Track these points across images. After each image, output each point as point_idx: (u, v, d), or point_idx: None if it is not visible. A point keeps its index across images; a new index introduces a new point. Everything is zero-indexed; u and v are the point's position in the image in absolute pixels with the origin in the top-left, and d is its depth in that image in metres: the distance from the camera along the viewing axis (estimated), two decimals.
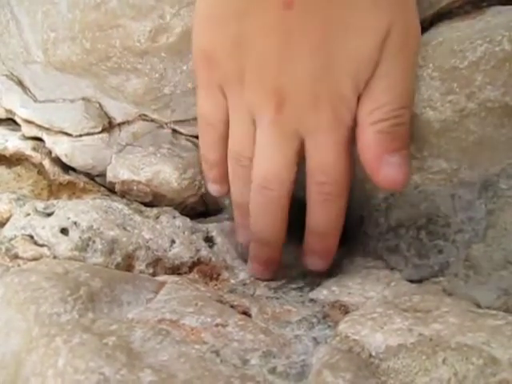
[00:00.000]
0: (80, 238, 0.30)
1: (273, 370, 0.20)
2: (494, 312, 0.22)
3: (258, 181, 0.29)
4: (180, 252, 0.32)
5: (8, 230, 0.31)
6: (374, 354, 0.21)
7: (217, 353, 0.21)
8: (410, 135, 0.27)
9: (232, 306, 0.27)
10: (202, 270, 0.32)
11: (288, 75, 0.26)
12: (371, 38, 0.25)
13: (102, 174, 0.39)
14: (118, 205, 0.33)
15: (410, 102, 0.27)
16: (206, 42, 0.29)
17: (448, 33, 0.26)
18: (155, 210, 0.35)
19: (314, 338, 0.23)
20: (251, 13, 0.26)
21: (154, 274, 0.31)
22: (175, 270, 0.32)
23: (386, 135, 0.26)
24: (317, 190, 0.29)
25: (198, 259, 0.33)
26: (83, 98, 0.38)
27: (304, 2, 0.25)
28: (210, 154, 0.33)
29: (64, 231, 0.30)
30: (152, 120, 0.38)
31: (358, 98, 0.26)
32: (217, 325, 0.24)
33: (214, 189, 0.35)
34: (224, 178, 0.33)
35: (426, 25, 0.26)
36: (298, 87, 0.26)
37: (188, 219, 0.34)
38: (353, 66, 0.25)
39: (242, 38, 0.27)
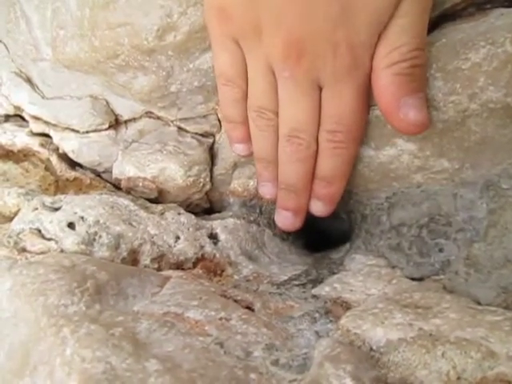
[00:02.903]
0: (87, 232, 0.30)
1: (275, 362, 0.21)
2: (493, 308, 0.22)
3: (286, 131, 0.30)
4: (184, 248, 0.33)
5: (16, 224, 0.31)
6: (374, 347, 0.21)
7: (221, 345, 0.22)
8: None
9: (235, 301, 0.27)
10: (206, 265, 0.33)
11: (306, 25, 0.25)
12: None
13: (108, 171, 0.39)
14: (124, 201, 0.34)
15: (425, 45, 0.26)
16: None
17: (451, 34, 0.27)
18: (160, 207, 0.35)
19: (316, 332, 0.24)
20: None
21: (158, 269, 0.31)
22: (179, 266, 0.32)
23: (404, 77, 0.25)
24: (328, 138, 0.29)
25: (202, 255, 0.33)
26: (91, 95, 0.38)
27: None
28: (233, 113, 0.32)
29: (71, 225, 0.31)
30: (158, 117, 0.38)
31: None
32: (220, 318, 0.24)
33: (240, 148, 0.34)
34: (250, 136, 0.33)
35: (430, 26, 0.27)
36: (316, 36, 0.25)
37: (193, 216, 0.35)
38: (373, 9, 0.24)
39: None
